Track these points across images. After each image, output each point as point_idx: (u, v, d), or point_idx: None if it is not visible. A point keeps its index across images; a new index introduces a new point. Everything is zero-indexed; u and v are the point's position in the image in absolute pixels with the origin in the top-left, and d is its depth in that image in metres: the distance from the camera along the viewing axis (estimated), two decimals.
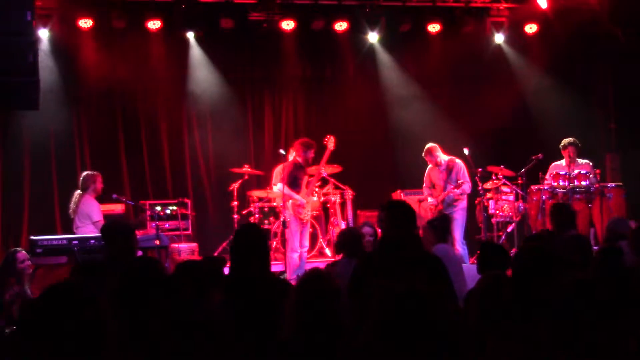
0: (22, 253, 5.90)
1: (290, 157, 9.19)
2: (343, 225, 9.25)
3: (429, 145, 9.08)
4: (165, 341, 2.82)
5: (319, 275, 3.02)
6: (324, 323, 2.80)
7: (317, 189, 9.25)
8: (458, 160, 9.08)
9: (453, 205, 8.88)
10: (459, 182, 8.79)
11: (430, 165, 9.18)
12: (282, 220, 8.58)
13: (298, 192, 8.68)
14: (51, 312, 2.26)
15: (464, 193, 8.94)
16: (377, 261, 3.76)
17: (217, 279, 3.72)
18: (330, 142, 9.04)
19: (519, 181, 9.64)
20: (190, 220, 9.66)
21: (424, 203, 9.35)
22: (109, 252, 4.97)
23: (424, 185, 9.25)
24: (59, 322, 2.24)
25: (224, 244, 9.93)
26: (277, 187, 8.81)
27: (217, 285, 3.60)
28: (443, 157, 9.07)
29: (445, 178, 8.96)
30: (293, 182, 8.66)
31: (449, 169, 8.98)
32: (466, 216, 9.02)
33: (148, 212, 9.26)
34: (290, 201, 8.59)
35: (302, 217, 8.61)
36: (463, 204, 8.96)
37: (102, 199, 8.47)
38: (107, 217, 8.33)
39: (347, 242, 5.52)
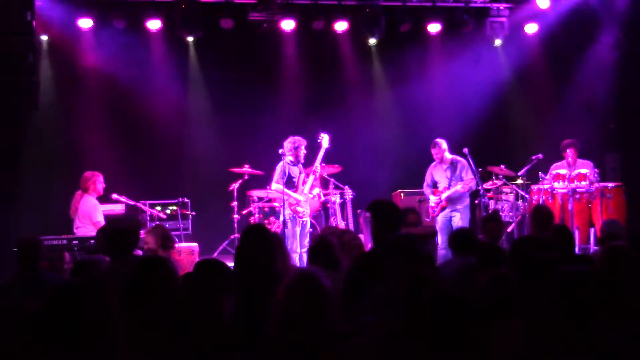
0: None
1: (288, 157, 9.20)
2: (343, 226, 9.23)
3: (438, 139, 9.08)
4: (177, 341, 2.80)
5: (309, 276, 3.03)
6: (310, 323, 2.82)
7: (316, 187, 9.22)
8: (461, 158, 9.07)
9: (456, 203, 8.84)
10: (466, 178, 8.75)
11: (432, 163, 9.15)
12: (282, 220, 8.58)
13: (294, 191, 8.71)
14: (57, 311, 2.26)
15: (472, 189, 8.89)
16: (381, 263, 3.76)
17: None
18: (325, 139, 9.00)
19: (519, 181, 9.64)
20: (190, 220, 9.65)
21: (424, 203, 9.33)
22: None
23: (425, 184, 9.21)
24: (65, 321, 2.24)
25: (224, 244, 9.94)
26: (274, 187, 8.83)
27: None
28: (447, 155, 9.04)
29: (450, 176, 8.93)
30: (288, 180, 8.70)
31: (454, 166, 8.95)
32: (469, 215, 8.99)
33: (148, 212, 9.25)
34: (287, 200, 8.62)
35: (300, 214, 8.62)
36: (466, 202, 8.93)
37: (102, 199, 8.47)
38: (107, 217, 8.33)
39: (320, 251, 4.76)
